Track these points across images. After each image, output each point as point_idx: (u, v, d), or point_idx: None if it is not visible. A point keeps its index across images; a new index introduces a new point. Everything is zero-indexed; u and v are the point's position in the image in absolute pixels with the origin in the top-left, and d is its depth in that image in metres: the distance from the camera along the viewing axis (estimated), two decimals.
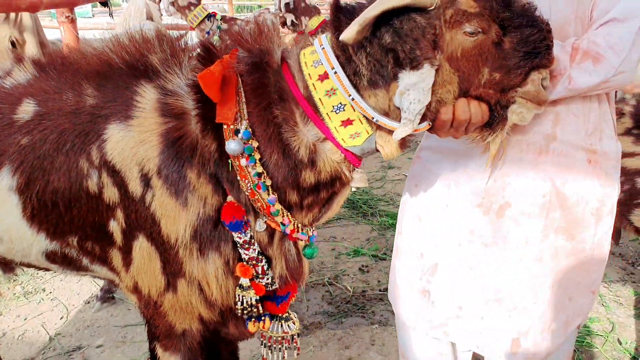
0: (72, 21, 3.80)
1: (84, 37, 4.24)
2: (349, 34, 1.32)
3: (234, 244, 1.56)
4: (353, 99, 1.40)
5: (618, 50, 1.43)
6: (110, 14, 4.55)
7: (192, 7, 5.23)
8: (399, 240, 1.92)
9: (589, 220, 1.62)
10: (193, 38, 5.88)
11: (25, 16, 3.93)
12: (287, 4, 5.29)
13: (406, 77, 1.35)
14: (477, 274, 1.73)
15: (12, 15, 3.81)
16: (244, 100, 1.48)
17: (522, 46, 1.38)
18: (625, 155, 2.55)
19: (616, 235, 2.94)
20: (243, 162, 1.46)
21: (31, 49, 3.96)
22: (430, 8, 1.35)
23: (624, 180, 2.53)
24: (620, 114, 2.66)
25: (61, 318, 3.26)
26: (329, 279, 3.62)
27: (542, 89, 1.41)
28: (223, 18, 5.38)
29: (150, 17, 6.46)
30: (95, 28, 8.26)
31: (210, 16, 5.30)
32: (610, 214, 1.64)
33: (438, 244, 1.78)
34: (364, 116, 1.42)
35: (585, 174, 1.59)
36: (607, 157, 1.62)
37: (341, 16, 1.40)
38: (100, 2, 4.22)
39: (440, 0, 1.34)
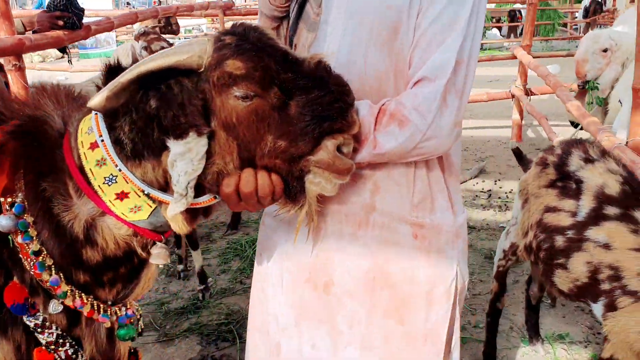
0: (20, 69, 3.80)
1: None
2: (97, 100, 1.20)
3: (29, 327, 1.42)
4: (120, 170, 1.27)
5: (423, 113, 1.26)
6: (69, 61, 4.55)
7: None
8: (249, 314, 1.75)
9: (419, 303, 1.41)
10: None
11: None
12: None
13: (173, 147, 1.22)
14: (320, 355, 1.54)
15: None
16: (22, 171, 1.35)
17: (308, 110, 1.22)
18: (548, 209, 2.34)
19: (553, 297, 2.69)
20: (19, 239, 1.33)
21: None
22: (200, 70, 1.22)
23: (544, 238, 2.29)
24: (544, 164, 2.44)
25: None
26: None
27: (341, 157, 1.24)
28: None
29: (135, 59, 6.49)
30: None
31: None
32: (446, 297, 1.43)
33: (279, 321, 1.60)
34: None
35: (410, 251, 1.39)
36: (439, 231, 1.42)
37: (111, 78, 1.27)
38: (58, 49, 4.23)
39: (209, 61, 1.21)
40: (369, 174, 1.39)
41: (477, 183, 5.89)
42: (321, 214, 1.40)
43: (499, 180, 5.88)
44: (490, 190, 5.66)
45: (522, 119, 7.25)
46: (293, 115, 1.23)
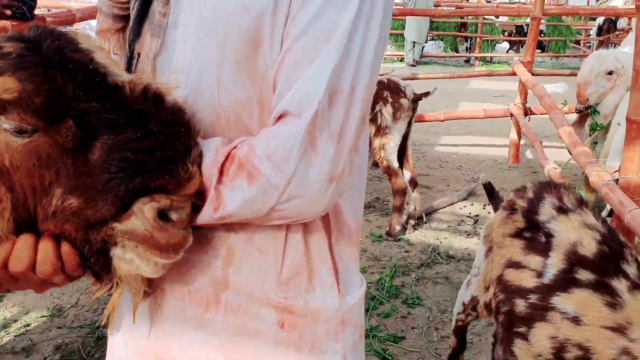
0: None
1: None
2: None
3: None
4: None
5: (279, 162, 0.87)
6: None
7: None
8: None
9: None
10: None
11: None
12: None
13: None
14: None
15: None
16: None
17: (116, 158, 0.84)
18: (510, 264, 1.94)
19: None
20: None
21: None
22: None
23: (504, 298, 1.90)
24: (511, 209, 2.04)
25: None
26: None
27: (167, 226, 0.86)
28: None
29: None
30: None
31: None
32: None
33: None
34: None
35: (274, 345, 1.01)
36: (317, 318, 1.02)
37: None
38: None
39: None
40: (222, 236, 1.00)
41: (465, 206, 5.48)
42: (157, 286, 1.02)
43: (489, 204, 5.46)
44: (477, 215, 5.25)
45: (519, 138, 6.82)
46: (95, 163, 0.85)
